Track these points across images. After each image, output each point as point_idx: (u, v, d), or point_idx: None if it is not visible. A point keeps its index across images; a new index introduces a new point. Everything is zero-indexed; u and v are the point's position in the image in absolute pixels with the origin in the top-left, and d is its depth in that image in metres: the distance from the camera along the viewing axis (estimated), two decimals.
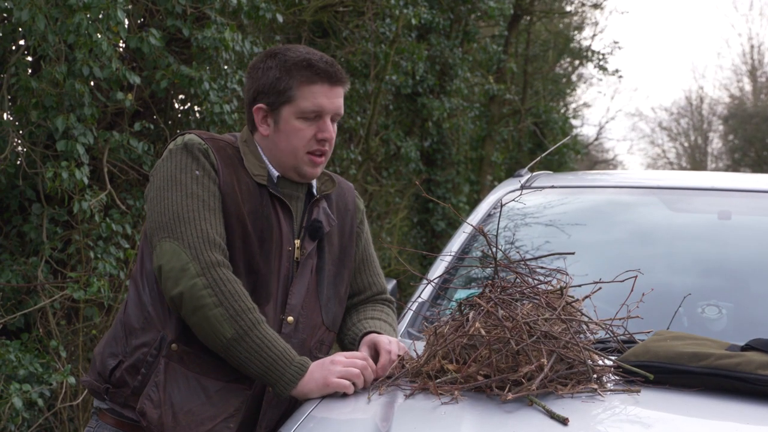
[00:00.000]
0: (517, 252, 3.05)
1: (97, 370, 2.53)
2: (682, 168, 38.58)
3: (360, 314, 2.73)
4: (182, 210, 2.40)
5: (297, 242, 2.55)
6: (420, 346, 2.54)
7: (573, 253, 2.64)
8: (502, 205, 3.40)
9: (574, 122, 22.93)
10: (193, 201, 2.41)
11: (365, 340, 2.57)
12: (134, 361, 2.45)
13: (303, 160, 2.53)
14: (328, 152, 2.57)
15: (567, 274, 2.50)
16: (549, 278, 2.49)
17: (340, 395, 2.34)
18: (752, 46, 37.01)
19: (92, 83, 5.00)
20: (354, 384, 2.35)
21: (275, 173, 2.56)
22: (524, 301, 2.36)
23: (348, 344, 2.66)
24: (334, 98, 2.52)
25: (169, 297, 2.38)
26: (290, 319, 2.51)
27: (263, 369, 2.34)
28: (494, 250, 2.44)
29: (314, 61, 2.50)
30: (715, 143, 38.48)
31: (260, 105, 2.54)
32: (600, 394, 2.22)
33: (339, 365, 2.36)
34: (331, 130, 2.53)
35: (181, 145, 2.49)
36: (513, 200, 2.94)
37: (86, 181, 4.68)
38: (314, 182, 2.65)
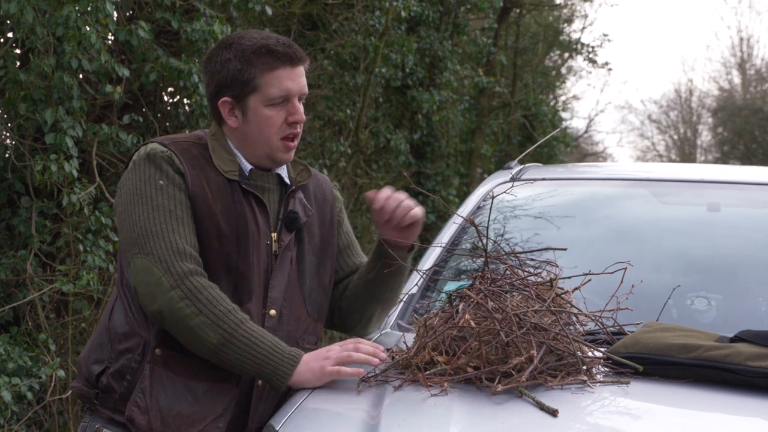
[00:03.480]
0: (507, 244, 3.05)
1: (84, 376, 2.52)
2: (671, 160, 38.64)
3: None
4: (149, 224, 2.39)
5: (274, 235, 2.54)
6: (410, 337, 2.54)
7: (565, 249, 2.64)
8: (492, 197, 3.40)
9: (563, 115, 22.90)
10: (159, 213, 2.40)
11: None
12: (119, 367, 2.44)
13: (277, 147, 2.52)
14: (299, 134, 2.55)
15: (557, 266, 2.51)
16: (539, 270, 2.50)
17: (331, 386, 2.35)
18: (741, 39, 36.98)
19: (81, 76, 4.97)
20: (353, 367, 2.35)
21: (247, 166, 2.54)
22: (514, 293, 2.37)
23: (351, 301, 2.72)
24: (297, 78, 2.50)
25: (149, 313, 2.39)
26: (272, 312, 2.50)
27: (256, 366, 2.34)
28: (485, 241, 2.44)
29: (272, 45, 2.47)
30: (705, 136, 38.53)
31: (225, 98, 2.50)
32: (590, 386, 2.22)
33: (334, 352, 2.37)
34: (301, 111, 2.51)
35: (144, 155, 2.48)
36: (503, 192, 2.93)
37: (75, 174, 4.67)
38: (286, 172, 2.63)
